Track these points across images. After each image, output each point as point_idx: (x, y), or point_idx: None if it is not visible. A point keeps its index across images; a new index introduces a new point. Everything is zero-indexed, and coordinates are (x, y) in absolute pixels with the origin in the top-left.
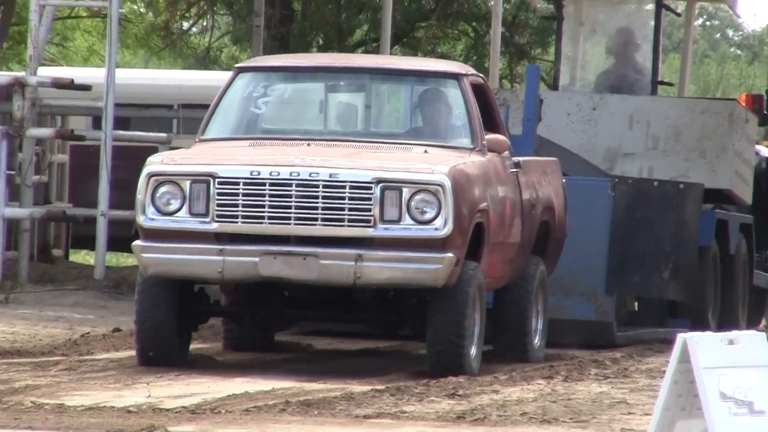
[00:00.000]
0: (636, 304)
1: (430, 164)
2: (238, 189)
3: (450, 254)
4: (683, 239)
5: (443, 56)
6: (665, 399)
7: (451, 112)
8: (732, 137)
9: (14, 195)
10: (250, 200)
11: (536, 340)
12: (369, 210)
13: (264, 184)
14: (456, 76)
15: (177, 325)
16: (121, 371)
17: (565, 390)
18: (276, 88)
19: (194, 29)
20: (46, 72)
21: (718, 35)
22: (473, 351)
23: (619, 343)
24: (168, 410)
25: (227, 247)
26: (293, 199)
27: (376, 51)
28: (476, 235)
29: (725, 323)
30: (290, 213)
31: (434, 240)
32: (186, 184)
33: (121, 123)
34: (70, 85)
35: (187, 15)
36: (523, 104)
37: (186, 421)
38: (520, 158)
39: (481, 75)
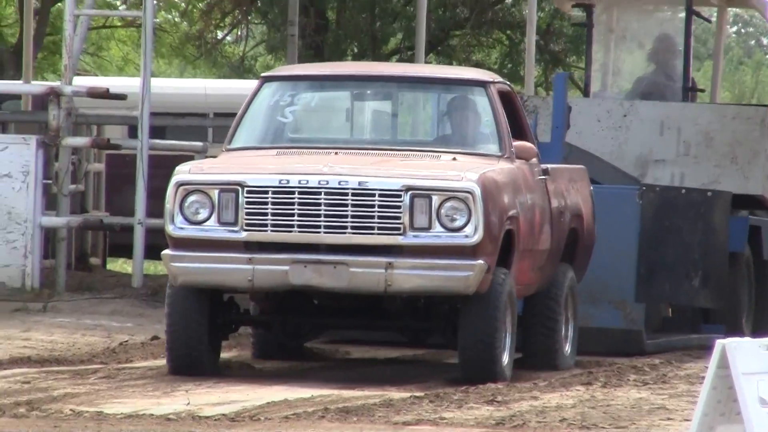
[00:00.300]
0: (670, 310)
1: (459, 171)
2: (267, 197)
3: (481, 261)
4: (712, 247)
5: (478, 64)
6: (704, 404)
7: (479, 120)
8: (764, 143)
9: (51, 204)
10: (279, 209)
11: (566, 348)
12: (399, 218)
13: (293, 193)
14: (483, 84)
15: (208, 334)
16: (160, 379)
17: (604, 396)
18: (302, 97)
19: (229, 38)
20: (82, 81)
21: (753, 42)
22: (505, 358)
23: (649, 351)
24: (207, 418)
25: (257, 255)
26: (322, 207)
27: (411, 59)
28: (506, 242)
29: (760, 328)
30: (320, 221)
31: (465, 247)
32: (215, 193)
33: (156, 132)
34: (105, 94)
35: (221, 24)
36: (551, 112)
37: (225, 429)
38: (548, 165)
39: (508, 82)
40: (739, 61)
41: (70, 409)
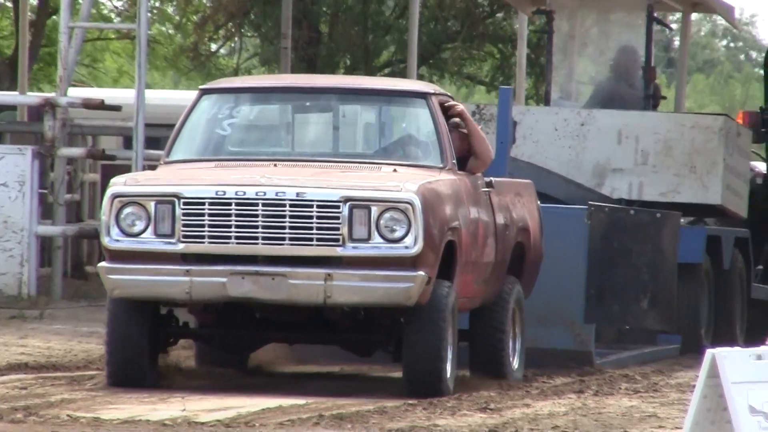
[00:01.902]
0: None
1: (399, 182)
2: (203, 209)
3: (421, 273)
4: (661, 268)
5: (469, 77)
6: (695, 413)
7: (420, 132)
8: (722, 152)
9: (47, 213)
10: (216, 220)
11: (514, 362)
12: (337, 229)
13: (230, 204)
14: (424, 95)
15: (148, 347)
16: (156, 385)
17: (595, 404)
18: (241, 110)
19: (222, 51)
20: (77, 93)
21: (742, 56)
22: (449, 370)
23: (600, 370)
24: (203, 424)
25: (194, 267)
26: (260, 218)
27: (403, 72)
28: (448, 254)
29: (721, 339)
30: (257, 233)
31: (405, 258)
32: (151, 205)
33: (151, 143)
34: (100, 105)
35: (215, 37)
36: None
37: None
38: (492, 178)
39: (449, 94)
40: (729, 75)
41: (67, 415)
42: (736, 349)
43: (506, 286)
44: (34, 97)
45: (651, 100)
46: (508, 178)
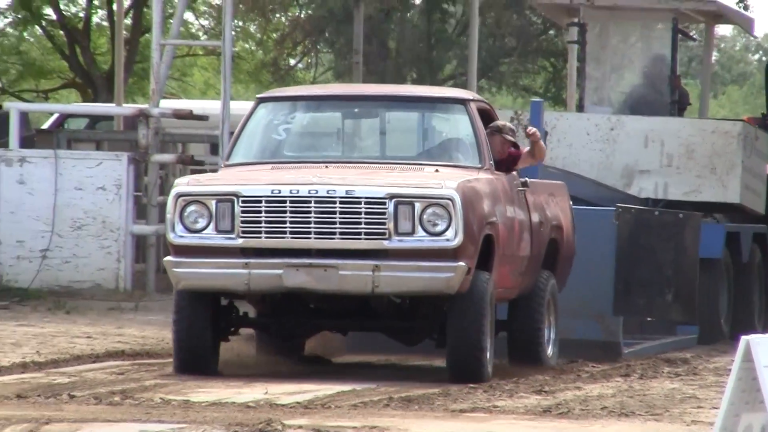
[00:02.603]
0: None
1: (440, 180)
2: (260, 206)
3: (462, 263)
4: (684, 264)
5: (525, 89)
6: (730, 394)
7: (459, 135)
8: (741, 154)
9: (141, 214)
10: (272, 217)
11: (549, 350)
12: (384, 224)
13: (285, 202)
14: (463, 102)
15: (211, 336)
16: (241, 370)
17: (640, 386)
18: (295, 117)
19: (300, 65)
20: (168, 104)
21: (741, 65)
22: (488, 356)
23: (626, 360)
24: (283, 405)
25: (252, 260)
26: (312, 214)
27: (464, 84)
28: (487, 247)
29: (740, 328)
30: (310, 228)
31: (446, 250)
32: (212, 204)
33: None
34: (189, 115)
35: (293, 53)
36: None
37: (299, 416)
38: (528, 179)
39: (487, 101)
40: (761, 86)
41: (160, 398)
42: None
43: (541, 279)
44: (129, 108)
45: (676, 106)
46: (540, 180)
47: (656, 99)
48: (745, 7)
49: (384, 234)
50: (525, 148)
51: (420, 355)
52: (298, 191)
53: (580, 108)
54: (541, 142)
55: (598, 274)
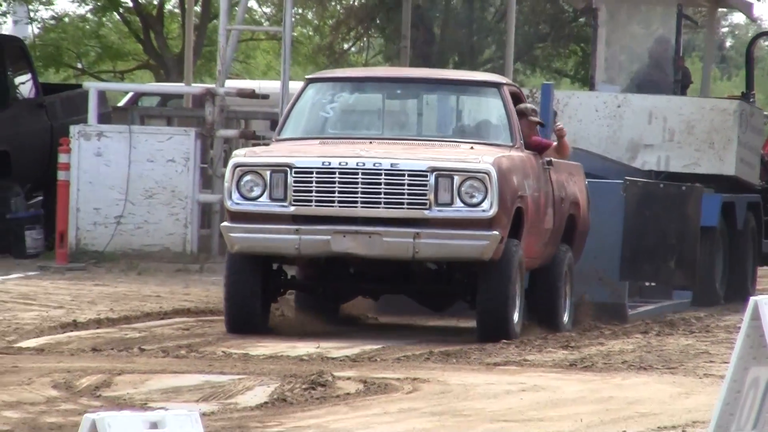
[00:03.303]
0: None
1: (478, 155)
2: (311, 177)
3: (496, 232)
4: (686, 234)
5: (557, 71)
6: (740, 350)
7: (493, 115)
8: (737, 130)
9: (207, 184)
10: (322, 187)
11: (565, 316)
12: (425, 195)
13: (334, 173)
14: (496, 85)
15: (261, 296)
16: (297, 327)
17: (658, 342)
18: (341, 96)
19: (353, 49)
20: (232, 84)
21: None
22: (516, 317)
23: (631, 321)
24: (333, 359)
25: (303, 227)
26: (359, 185)
27: (502, 67)
28: (516, 218)
29: (734, 291)
30: (357, 197)
31: (482, 220)
32: (266, 174)
33: None
34: (251, 94)
35: (347, 37)
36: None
37: (348, 368)
38: (551, 158)
39: (517, 85)
40: (737, 66)
41: (222, 351)
42: None
43: (560, 252)
44: (197, 87)
45: (679, 85)
46: (559, 160)
47: (661, 78)
48: None
49: (425, 204)
50: (554, 143)
51: (446, 319)
52: (347, 163)
53: (591, 86)
54: (566, 140)
55: (606, 242)
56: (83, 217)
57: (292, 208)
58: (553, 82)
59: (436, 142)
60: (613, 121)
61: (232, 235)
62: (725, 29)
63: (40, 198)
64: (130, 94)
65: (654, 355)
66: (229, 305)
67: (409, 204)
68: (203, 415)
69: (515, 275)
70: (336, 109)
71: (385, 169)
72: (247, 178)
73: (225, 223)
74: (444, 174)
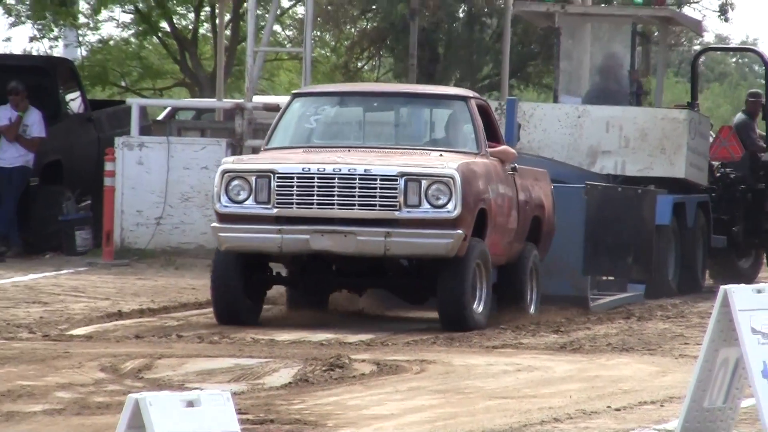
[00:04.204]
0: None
1: (443, 162)
2: (293, 182)
3: (460, 231)
4: (642, 233)
5: (548, 86)
6: (711, 332)
7: (461, 126)
8: (686, 137)
9: None
10: (302, 190)
11: (532, 307)
12: (395, 197)
13: (313, 178)
14: (464, 98)
15: (245, 291)
16: (319, 316)
17: (638, 327)
18: (324, 109)
19: (366, 67)
20: (259, 99)
21: (747, 69)
22: (480, 308)
23: (593, 312)
24: (350, 343)
25: (285, 227)
26: (336, 189)
27: (498, 83)
28: (480, 219)
29: (685, 283)
30: (333, 200)
31: (447, 220)
32: (252, 179)
33: None
34: (276, 108)
35: (361, 57)
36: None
37: (363, 351)
38: (516, 165)
39: (484, 98)
40: (737, 83)
41: (251, 337)
42: (742, 285)
43: (526, 250)
44: (228, 102)
45: (635, 96)
46: (527, 167)
47: (618, 91)
48: (726, 19)
49: (395, 206)
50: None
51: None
52: (324, 169)
53: (555, 99)
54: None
55: (570, 240)
56: (127, 219)
57: (275, 210)
58: (516, 97)
59: (410, 150)
60: (574, 130)
61: (221, 235)
62: (697, 47)
63: (89, 202)
64: (168, 109)
65: (635, 338)
66: (216, 300)
67: (381, 206)
68: (234, 394)
69: (476, 269)
70: (319, 121)
71: (359, 174)
72: (235, 183)
73: (214, 224)
74: (412, 178)
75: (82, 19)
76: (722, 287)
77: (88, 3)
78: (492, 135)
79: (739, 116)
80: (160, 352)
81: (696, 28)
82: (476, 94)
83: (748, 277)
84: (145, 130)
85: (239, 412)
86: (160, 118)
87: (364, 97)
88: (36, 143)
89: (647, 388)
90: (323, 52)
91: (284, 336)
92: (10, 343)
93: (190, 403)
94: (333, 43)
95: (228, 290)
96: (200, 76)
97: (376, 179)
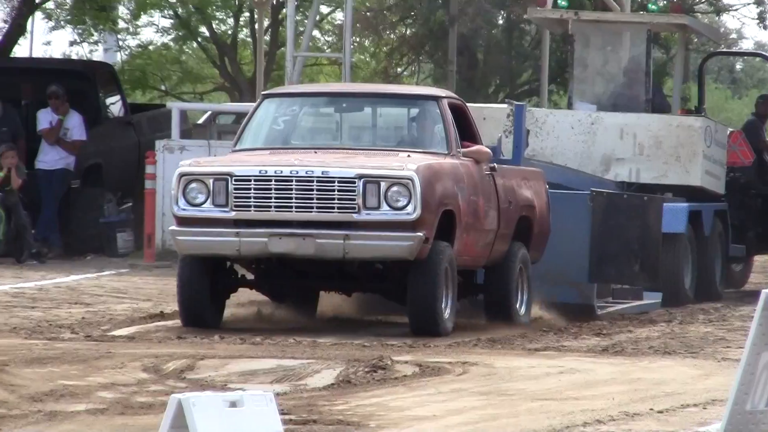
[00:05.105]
0: None
1: (403, 163)
2: (250, 184)
3: (420, 234)
4: (648, 239)
5: None
6: (753, 336)
7: (432, 126)
8: (701, 145)
9: None
10: (259, 193)
11: (521, 309)
12: (354, 199)
13: (270, 180)
14: (435, 98)
15: (210, 294)
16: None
17: (680, 330)
18: (293, 110)
19: (405, 73)
20: None
21: (760, 72)
22: (447, 313)
23: (599, 319)
24: (392, 345)
25: (243, 230)
26: (294, 191)
27: (537, 89)
28: (448, 221)
29: (702, 291)
30: (291, 203)
31: (406, 222)
32: (210, 182)
33: None
34: None
35: (400, 63)
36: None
37: (405, 353)
38: (496, 164)
39: (460, 98)
40: (747, 87)
41: (293, 339)
42: None
43: (513, 250)
44: None
45: (650, 103)
46: (514, 166)
47: (634, 97)
48: (765, 27)
49: (354, 208)
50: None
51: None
52: (281, 171)
53: (569, 106)
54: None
55: (575, 248)
56: (168, 221)
57: (233, 213)
58: (525, 103)
59: (376, 151)
60: (588, 137)
61: (179, 238)
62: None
63: (130, 204)
64: (208, 113)
65: (677, 341)
66: (181, 303)
67: (339, 208)
68: (277, 395)
69: (442, 273)
70: (287, 122)
71: (317, 177)
72: (192, 185)
73: (173, 227)
74: (371, 180)
75: (121, 24)
76: (764, 291)
77: (128, 9)
78: (468, 135)
79: (749, 118)
80: (202, 353)
81: (714, 35)
82: (450, 94)
83: (738, 281)
84: (185, 134)
85: (282, 412)
86: (200, 122)
87: (334, 98)
88: (77, 146)
89: (689, 390)
90: (362, 57)
91: (326, 338)
92: (53, 343)
93: (233, 404)
94: (372, 48)
95: (193, 294)
96: (240, 80)
97: (334, 181)
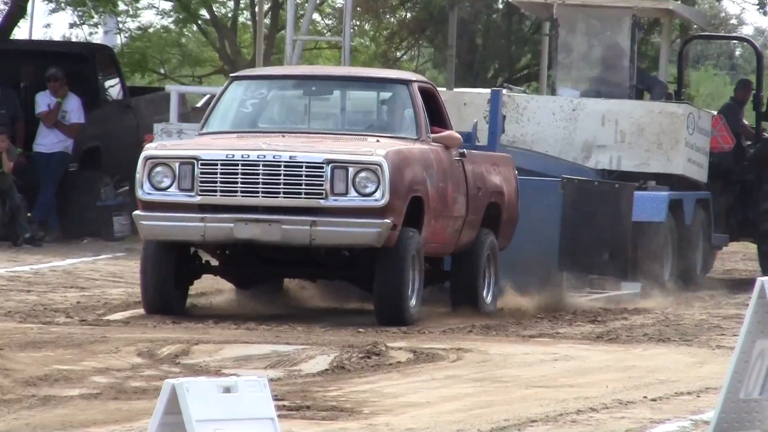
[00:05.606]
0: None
1: (372, 148)
2: (216, 169)
3: (388, 220)
4: (618, 229)
5: None
6: (748, 324)
7: (402, 111)
8: (684, 132)
9: None
10: (226, 177)
11: (488, 297)
12: (321, 185)
13: (237, 165)
14: (406, 82)
15: (174, 280)
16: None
17: (675, 317)
18: (261, 93)
19: (405, 57)
20: None
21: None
22: (413, 302)
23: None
24: (386, 331)
25: (208, 215)
26: (260, 176)
27: (536, 73)
28: (416, 207)
29: (683, 281)
30: (258, 188)
31: (374, 209)
32: (175, 166)
33: None
34: None
35: (400, 47)
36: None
37: (399, 339)
38: (465, 150)
39: (430, 82)
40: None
41: (288, 324)
42: None
43: (481, 237)
44: None
45: (634, 89)
46: (484, 152)
47: (617, 83)
48: (765, 13)
49: (321, 194)
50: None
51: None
52: (248, 156)
53: (552, 91)
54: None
55: (546, 236)
56: None
57: (199, 198)
58: (502, 88)
59: (345, 136)
60: (569, 124)
61: (142, 223)
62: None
63: (127, 188)
64: (206, 96)
65: (671, 329)
66: (144, 289)
67: (306, 194)
68: (271, 380)
69: (411, 261)
70: (255, 105)
71: (284, 161)
72: (158, 169)
73: (137, 212)
74: (339, 166)
75: (121, 6)
76: (759, 279)
77: None
78: (438, 120)
79: (727, 102)
80: (197, 338)
81: (700, 20)
82: (420, 77)
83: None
84: (184, 117)
85: (276, 398)
86: (198, 105)
87: (302, 81)
88: (75, 129)
89: (683, 378)
90: (362, 41)
91: (320, 323)
92: (48, 327)
93: (227, 389)
94: (372, 32)
95: (157, 280)
96: (239, 63)
97: (301, 166)
